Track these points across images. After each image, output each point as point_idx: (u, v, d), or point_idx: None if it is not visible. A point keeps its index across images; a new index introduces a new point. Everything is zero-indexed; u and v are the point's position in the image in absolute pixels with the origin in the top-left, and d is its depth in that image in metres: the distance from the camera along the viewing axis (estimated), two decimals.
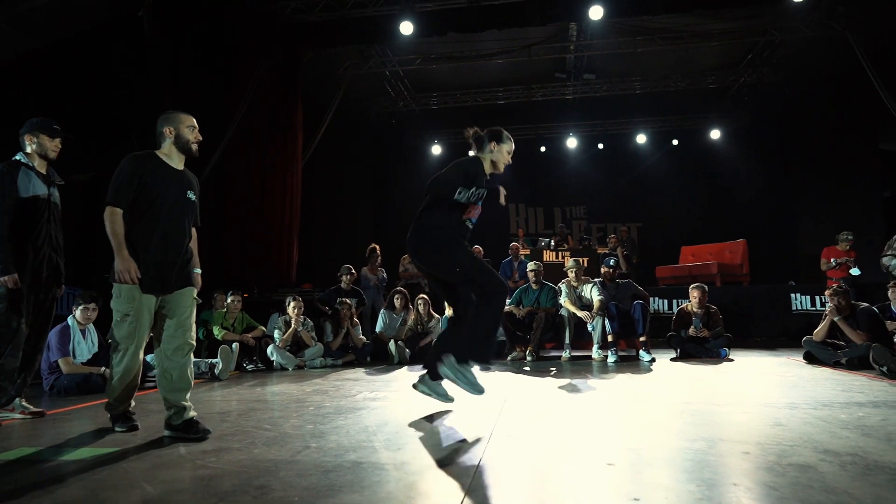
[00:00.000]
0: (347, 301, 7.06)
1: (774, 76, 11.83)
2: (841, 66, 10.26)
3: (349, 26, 8.92)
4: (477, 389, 3.37)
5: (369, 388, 4.68)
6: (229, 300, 6.51)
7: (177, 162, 3.14)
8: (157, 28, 7.56)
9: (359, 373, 5.84)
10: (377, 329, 7.30)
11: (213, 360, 5.48)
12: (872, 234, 10.88)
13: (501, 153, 3.96)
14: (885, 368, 4.72)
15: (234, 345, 5.87)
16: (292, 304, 6.61)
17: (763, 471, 2.16)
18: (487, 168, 3.87)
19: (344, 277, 7.68)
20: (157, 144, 3.14)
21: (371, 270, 8.55)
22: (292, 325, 6.48)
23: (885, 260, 8.74)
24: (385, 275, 8.70)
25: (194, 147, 3.16)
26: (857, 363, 5.18)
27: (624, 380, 4.96)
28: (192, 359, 3.08)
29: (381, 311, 7.48)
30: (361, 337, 6.99)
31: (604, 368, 5.76)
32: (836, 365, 5.41)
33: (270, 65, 9.00)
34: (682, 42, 10.35)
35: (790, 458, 2.30)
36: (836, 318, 5.54)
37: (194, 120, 3.18)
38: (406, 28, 8.63)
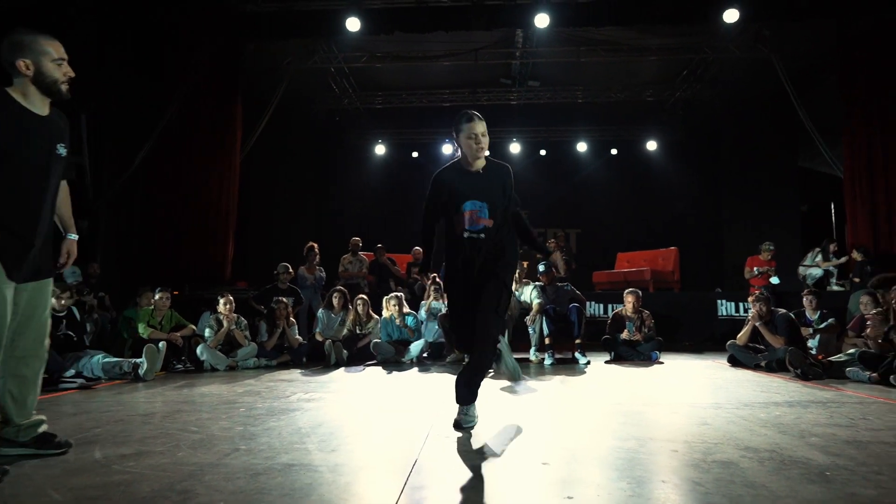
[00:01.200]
0: (284, 300, 6.87)
1: (707, 93, 12.39)
2: (766, 87, 10.85)
3: (294, 19, 8.70)
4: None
5: (304, 389, 4.56)
6: (157, 297, 6.22)
7: (39, 105, 2.39)
8: (83, 6, 7.15)
9: (294, 374, 5.69)
10: (314, 329, 7.15)
11: (138, 360, 5.20)
12: (791, 246, 11.57)
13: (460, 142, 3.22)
14: (799, 371, 5.00)
15: (161, 344, 5.59)
16: (223, 302, 6.37)
17: (689, 467, 2.23)
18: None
19: (281, 276, 7.48)
20: (8, 80, 2.34)
21: (308, 270, 8.37)
22: (224, 324, 6.25)
23: (801, 269, 9.33)
24: (323, 274, 8.53)
25: (64, 88, 2.41)
26: (775, 366, 5.46)
27: (560, 381, 5.05)
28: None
29: (319, 310, 7.33)
30: (297, 337, 6.82)
31: (540, 370, 5.84)
32: (756, 367, 5.69)
33: (209, 54, 8.68)
34: (622, 55, 10.68)
35: (714, 456, 2.39)
36: (757, 324, 5.83)
37: (62, 49, 2.41)
38: (353, 24, 8.51)
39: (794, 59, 9.91)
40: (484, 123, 3.17)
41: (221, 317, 6.33)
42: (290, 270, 7.65)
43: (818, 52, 9.70)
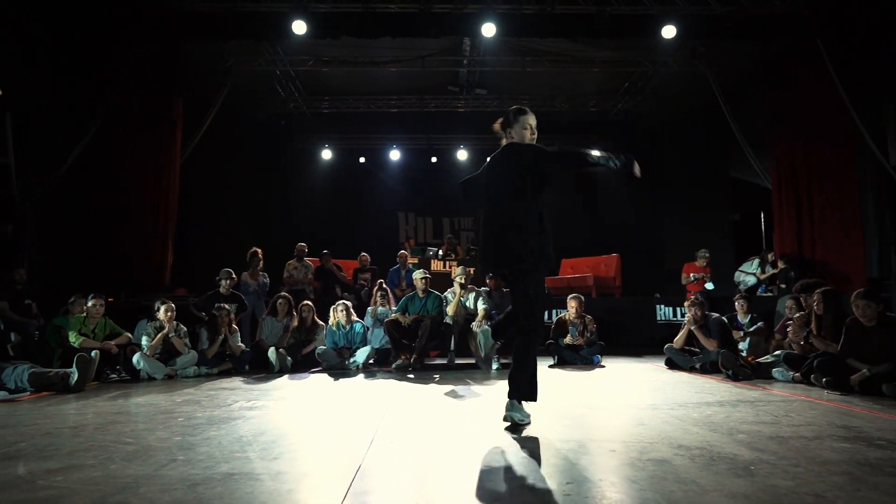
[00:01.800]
0: (226, 307, 6.69)
1: (647, 104, 12.87)
2: (702, 100, 11.36)
3: (237, 20, 8.50)
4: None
5: (246, 397, 4.46)
6: (90, 304, 5.94)
7: None
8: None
9: (236, 382, 5.55)
10: (258, 336, 6.99)
11: (68, 370, 4.95)
12: (724, 253, 12.12)
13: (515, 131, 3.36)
14: (730, 372, 5.25)
15: (94, 352, 5.33)
16: (163, 308, 6.16)
17: (626, 466, 2.32)
18: None
19: (223, 282, 7.28)
20: None
21: (252, 275, 8.19)
22: (164, 331, 6.03)
23: (738, 275, 9.79)
24: (267, 280, 8.37)
25: None
26: (709, 367, 5.71)
27: (504, 386, 5.09)
28: None
29: (263, 317, 7.17)
30: (240, 344, 6.65)
31: (486, 375, 5.90)
32: (691, 370, 5.93)
33: (147, 51, 8.39)
34: (567, 66, 10.96)
35: (649, 454, 2.48)
36: (692, 327, 6.08)
37: None
38: (299, 28, 8.40)
39: (727, 75, 10.43)
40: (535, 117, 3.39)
41: (159, 324, 6.11)
42: (234, 276, 7.46)
43: (748, 69, 10.25)
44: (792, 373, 5.01)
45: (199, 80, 9.94)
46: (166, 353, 6.05)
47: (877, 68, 8.22)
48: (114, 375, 5.79)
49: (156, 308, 6.32)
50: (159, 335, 5.99)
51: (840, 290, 6.24)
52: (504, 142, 3.37)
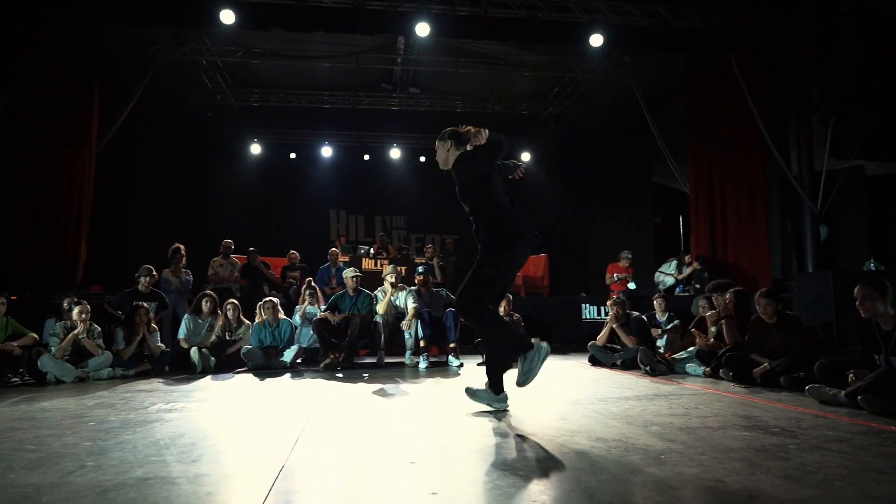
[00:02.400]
0: (145, 305, 6.40)
1: (576, 109, 13.28)
2: (627, 107, 11.84)
3: (160, 4, 8.09)
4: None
5: (165, 399, 4.29)
6: None
7: None
8: None
9: (154, 383, 5.32)
10: (179, 335, 6.72)
11: None
12: (646, 254, 12.70)
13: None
14: (648, 368, 5.52)
15: None
16: (77, 309, 5.81)
17: (546, 459, 2.40)
18: None
19: (142, 279, 6.95)
20: None
21: (173, 273, 7.86)
22: (75, 331, 5.69)
23: (657, 276, 10.26)
24: (190, 278, 8.05)
25: None
26: (629, 364, 5.97)
27: (433, 384, 5.16)
28: None
29: (185, 316, 6.90)
30: (159, 344, 6.38)
31: (415, 373, 5.93)
32: (613, 366, 6.19)
33: (60, 32, 7.87)
34: (499, 68, 11.15)
35: (570, 447, 2.58)
36: (614, 325, 6.34)
37: None
38: (227, 17, 8.11)
39: (651, 85, 10.93)
40: None
41: (70, 323, 5.76)
42: (154, 273, 7.14)
43: (671, 80, 10.77)
44: (703, 368, 5.32)
45: (120, 66, 9.43)
46: (77, 354, 5.72)
47: (781, 83, 8.85)
48: (16, 379, 5.40)
49: (67, 307, 5.97)
50: (69, 336, 5.66)
51: (749, 290, 6.67)
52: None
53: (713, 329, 5.65)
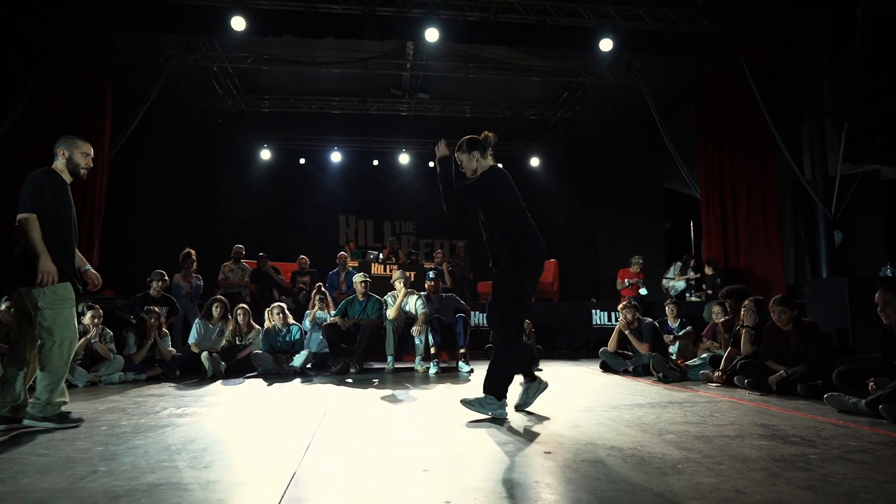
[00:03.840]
0: (156, 310, 6.41)
1: (585, 114, 13.23)
2: (637, 112, 11.79)
3: (172, 12, 8.16)
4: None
5: (176, 403, 4.28)
6: (2, 307, 5.56)
7: (66, 176, 3.62)
8: None
9: (165, 388, 5.32)
10: (189, 340, 6.73)
11: None
12: (656, 260, 12.61)
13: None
14: (660, 374, 5.46)
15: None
16: (89, 312, 5.83)
17: (561, 468, 2.36)
18: None
19: (154, 284, 6.98)
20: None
21: (184, 277, 7.89)
22: (87, 336, 5.71)
23: (664, 282, 10.19)
24: (200, 282, 8.08)
25: (83, 172, 3.70)
26: (641, 370, 5.91)
27: (443, 390, 5.13)
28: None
29: (196, 320, 6.91)
30: (170, 349, 6.39)
31: (425, 379, 5.90)
32: (624, 372, 6.13)
33: (74, 40, 7.93)
34: (508, 74, 11.14)
35: (584, 456, 2.54)
36: (626, 331, 6.28)
37: (90, 147, 3.69)
38: (238, 24, 8.16)
39: (661, 89, 10.87)
40: None
41: (83, 328, 5.78)
42: (166, 278, 7.17)
43: (680, 84, 10.72)
44: (715, 373, 5.26)
45: (132, 72, 9.50)
46: (89, 358, 5.74)
47: (794, 87, 8.78)
48: (30, 383, 5.42)
49: (80, 311, 5.98)
50: (82, 340, 5.66)
51: (762, 296, 6.60)
52: (491, 161, 3.84)
53: (727, 336, 5.58)
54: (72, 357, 3.47)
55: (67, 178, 3.61)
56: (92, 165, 3.70)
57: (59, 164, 3.59)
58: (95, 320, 5.82)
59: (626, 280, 9.51)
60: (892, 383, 3.42)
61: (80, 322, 5.84)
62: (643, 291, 9.34)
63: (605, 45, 8.75)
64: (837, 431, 3.02)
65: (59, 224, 3.47)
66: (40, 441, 2.96)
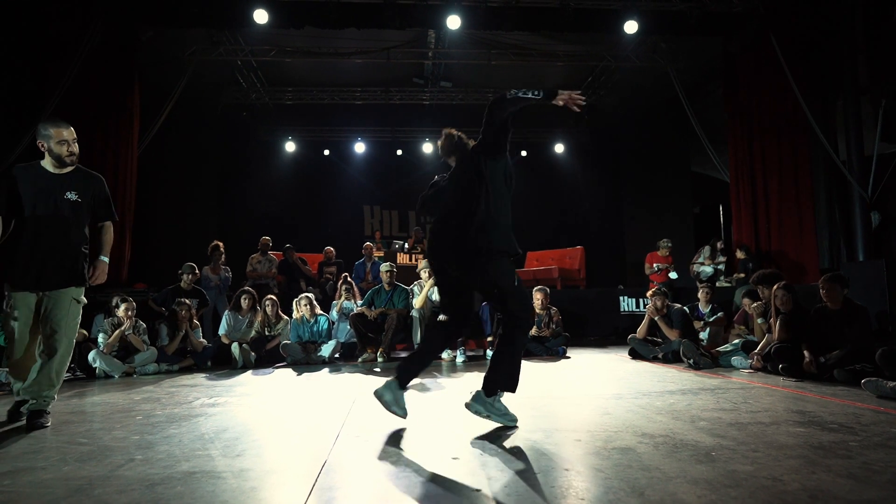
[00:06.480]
0: (187, 301, 6.53)
1: (610, 99, 13.02)
2: (663, 95, 11.57)
3: (195, 7, 8.25)
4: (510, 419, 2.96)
5: (208, 393, 4.36)
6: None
7: (54, 168, 3.39)
8: None
9: (197, 378, 5.42)
10: (220, 331, 6.84)
11: None
12: (685, 245, 12.39)
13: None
14: (691, 361, 5.37)
15: None
16: (123, 306, 5.97)
17: (591, 455, 2.34)
18: None
19: (185, 276, 7.11)
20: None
21: (213, 270, 8.01)
22: (121, 328, 5.85)
23: (694, 267, 10.01)
24: (229, 275, 8.19)
25: (68, 160, 3.40)
26: (671, 357, 5.83)
27: (471, 378, 5.12)
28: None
29: (225, 312, 7.02)
30: (201, 340, 6.50)
31: (452, 368, 5.91)
32: (654, 359, 6.05)
33: (102, 37, 8.07)
34: (531, 59, 11.01)
35: (614, 443, 2.52)
36: (655, 318, 6.19)
37: (66, 132, 3.37)
38: (260, 17, 8.22)
39: (688, 71, 10.64)
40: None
41: (117, 320, 5.92)
42: (196, 271, 7.30)
43: (708, 66, 10.47)
44: (750, 360, 5.15)
45: (158, 68, 9.65)
46: (124, 350, 5.88)
47: (827, 65, 8.49)
48: (68, 374, 5.58)
49: (114, 304, 6.13)
50: (117, 332, 5.82)
51: (794, 281, 6.45)
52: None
53: (760, 321, 5.46)
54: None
55: (55, 169, 3.39)
56: (76, 152, 3.41)
57: (47, 157, 3.39)
58: (129, 312, 5.94)
59: (654, 264, 9.35)
60: None
61: (114, 314, 6.02)
62: (673, 276, 9.15)
63: (630, 27, 8.58)
64: (878, 418, 2.93)
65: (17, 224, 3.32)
66: (79, 430, 3.04)
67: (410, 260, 9.54)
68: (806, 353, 4.47)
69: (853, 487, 1.85)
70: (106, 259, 3.63)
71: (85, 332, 6.02)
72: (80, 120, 8.09)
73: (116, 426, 3.12)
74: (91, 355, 5.65)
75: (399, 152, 14.37)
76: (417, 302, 6.74)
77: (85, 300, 3.46)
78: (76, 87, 7.87)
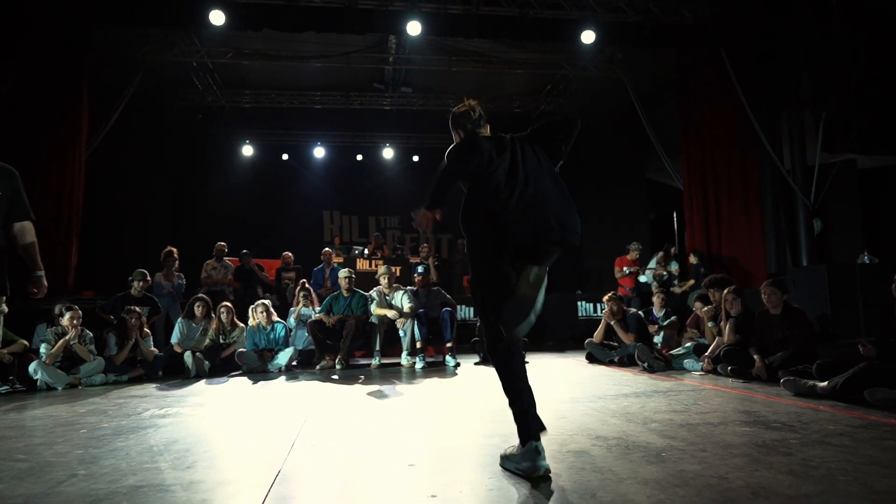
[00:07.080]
0: (137, 309, 6.32)
1: (568, 107, 13.22)
2: (619, 104, 11.81)
3: (148, 5, 8.02)
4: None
5: (158, 404, 4.23)
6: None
7: None
8: None
9: (148, 388, 5.25)
10: (172, 340, 6.65)
11: None
12: (641, 251, 12.66)
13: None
14: (646, 364, 5.49)
15: None
16: (68, 313, 5.73)
17: (547, 459, 2.35)
18: None
19: (135, 283, 6.88)
20: None
21: (166, 276, 7.79)
22: (66, 337, 5.61)
23: (647, 273, 10.21)
24: (182, 281, 7.97)
25: None
26: (626, 361, 5.95)
27: (430, 384, 5.12)
28: None
29: (178, 320, 6.83)
30: (152, 349, 6.30)
31: (412, 374, 5.89)
32: (610, 363, 6.16)
33: (48, 36, 7.78)
34: (491, 66, 11.10)
35: (569, 446, 2.55)
36: (612, 322, 6.31)
37: None
38: (217, 18, 8.04)
39: (643, 81, 10.91)
40: None
41: (62, 329, 5.69)
42: (148, 278, 7.09)
43: (663, 76, 10.76)
44: (701, 363, 5.30)
45: (108, 68, 9.33)
46: (68, 360, 5.64)
47: (773, 79, 8.85)
48: (5, 387, 5.34)
49: (58, 312, 5.89)
50: (61, 342, 5.58)
51: (744, 286, 6.67)
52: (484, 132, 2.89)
53: (710, 325, 5.62)
54: None
55: None
56: None
57: None
58: (74, 321, 5.71)
59: (624, 268, 9.43)
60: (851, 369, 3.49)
61: (58, 323, 5.78)
62: (643, 279, 9.29)
63: (587, 37, 8.75)
64: (817, 416, 3.06)
65: None
66: (17, 446, 2.90)
67: (370, 266, 9.47)
68: (756, 357, 4.63)
69: (792, 483, 1.93)
70: (41, 273, 3.33)
71: (25, 342, 5.76)
72: (24, 120, 7.84)
73: (58, 440, 3.00)
74: (32, 367, 5.40)
75: (359, 157, 14.27)
76: (377, 311, 6.70)
77: (6, 309, 3.18)
78: (18, 87, 7.56)
